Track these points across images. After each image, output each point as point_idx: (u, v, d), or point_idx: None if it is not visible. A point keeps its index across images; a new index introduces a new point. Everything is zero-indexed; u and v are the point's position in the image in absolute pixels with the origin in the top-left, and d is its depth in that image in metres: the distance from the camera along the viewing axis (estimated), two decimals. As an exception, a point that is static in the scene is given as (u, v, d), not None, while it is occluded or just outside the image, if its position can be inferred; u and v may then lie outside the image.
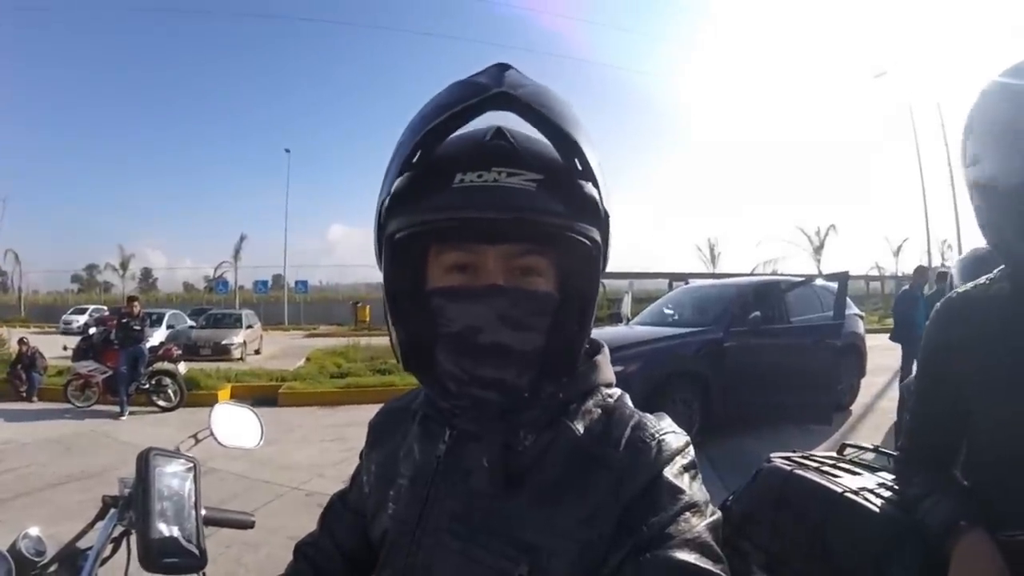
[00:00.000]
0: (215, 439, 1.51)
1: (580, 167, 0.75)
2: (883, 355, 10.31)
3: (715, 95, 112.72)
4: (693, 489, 0.75)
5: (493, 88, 0.70)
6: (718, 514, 0.75)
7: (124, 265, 56.88)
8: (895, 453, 1.51)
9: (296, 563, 1.09)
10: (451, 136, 0.75)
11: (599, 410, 0.84)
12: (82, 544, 1.24)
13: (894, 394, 8.59)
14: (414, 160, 0.75)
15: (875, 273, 51.02)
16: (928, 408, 1.37)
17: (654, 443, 0.77)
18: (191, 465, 1.26)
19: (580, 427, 0.81)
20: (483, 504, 0.79)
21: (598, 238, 0.79)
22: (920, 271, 10.37)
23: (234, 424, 1.57)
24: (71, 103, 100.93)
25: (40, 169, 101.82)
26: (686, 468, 0.77)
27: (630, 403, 0.87)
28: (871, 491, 1.43)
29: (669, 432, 0.80)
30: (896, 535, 1.30)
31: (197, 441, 1.49)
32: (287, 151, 54.07)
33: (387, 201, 0.77)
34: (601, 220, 0.79)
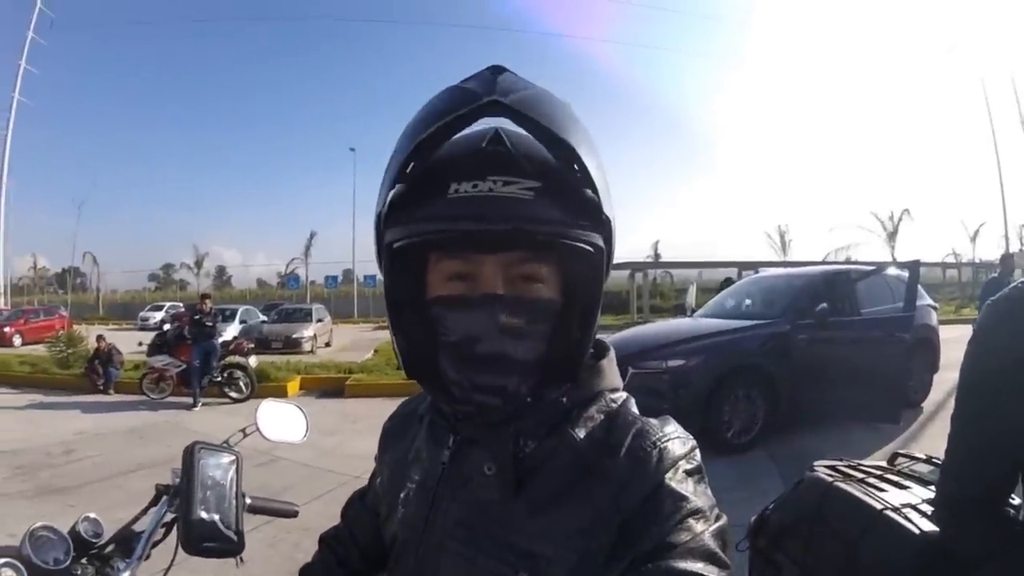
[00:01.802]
0: (261, 434, 1.56)
1: (578, 172, 0.73)
2: (958, 348, 9.90)
3: (785, 75, 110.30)
4: (697, 495, 0.73)
5: (484, 96, 0.69)
6: (723, 519, 0.73)
7: (199, 263, 59.73)
8: (936, 490, 1.33)
9: (321, 552, 1.16)
10: (449, 141, 0.74)
11: (602, 416, 0.82)
12: (137, 528, 1.31)
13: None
14: (407, 170, 0.74)
15: (951, 260, 49.37)
16: (982, 437, 1.17)
17: (655, 451, 0.75)
18: (234, 458, 1.33)
19: (581, 434, 0.79)
20: (485, 510, 0.79)
21: (600, 243, 0.77)
22: (1008, 259, 9.95)
23: (280, 420, 1.61)
24: (144, 109, 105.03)
25: (117, 174, 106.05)
26: (689, 473, 0.75)
27: (634, 408, 0.84)
28: (914, 508, 1.37)
29: (673, 438, 0.78)
30: (930, 560, 1.24)
31: (245, 435, 1.54)
32: (352, 150, 55.35)
33: (384, 211, 0.76)
34: (603, 224, 0.76)
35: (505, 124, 0.73)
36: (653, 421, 0.80)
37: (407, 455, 0.96)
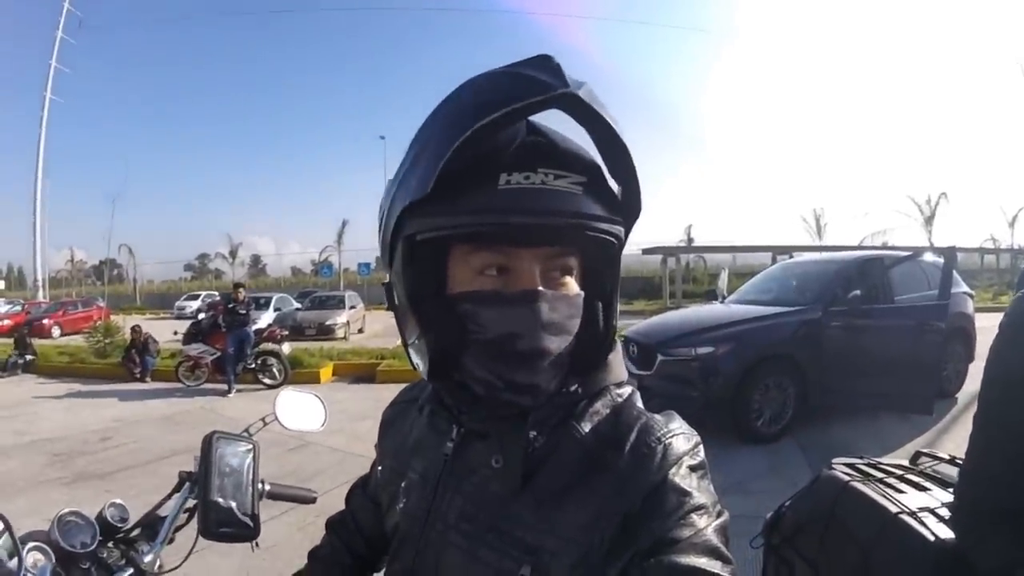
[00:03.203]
0: (279, 423, 1.59)
1: (626, 172, 0.73)
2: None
3: (824, 56, 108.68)
4: (700, 490, 0.73)
5: (559, 87, 0.64)
6: (726, 515, 0.73)
7: (233, 253, 60.47)
8: (955, 495, 1.27)
9: (328, 536, 1.18)
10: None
11: (607, 410, 0.82)
12: (161, 512, 1.36)
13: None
14: (461, 155, 0.66)
15: (989, 245, 48.03)
16: (1006, 440, 1.10)
17: (659, 447, 0.75)
18: (251, 446, 1.36)
19: (587, 428, 0.79)
20: (489, 503, 0.79)
21: (623, 235, 0.78)
22: None
23: (298, 408, 1.64)
24: (177, 103, 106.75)
25: (152, 168, 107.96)
26: (693, 469, 0.75)
27: (639, 402, 0.84)
28: (932, 512, 1.33)
29: (677, 434, 0.77)
30: (946, 570, 1.20)
31: (265, 424, 1.57)
32: (382, 138, 55.58)
33: (416, 199, 0.70)
34: (633, 219, 0.78)
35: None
36: (658, 417, 0.80)
37: (407, 443, 0.97)
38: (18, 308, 29.28)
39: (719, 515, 0.73)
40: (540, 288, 0.74)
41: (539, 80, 0.65)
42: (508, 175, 0.69)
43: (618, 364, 0.87)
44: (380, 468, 1.05)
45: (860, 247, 29.13)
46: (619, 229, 0.76)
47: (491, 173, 0.69)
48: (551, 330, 0.74)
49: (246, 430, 1.47)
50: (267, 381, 11.06)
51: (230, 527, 1.22)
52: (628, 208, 0.76)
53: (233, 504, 1.24)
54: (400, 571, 0.88)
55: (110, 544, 1.26)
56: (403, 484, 0.92)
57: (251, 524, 1.24)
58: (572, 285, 0.78)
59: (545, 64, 0.66)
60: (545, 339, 0.74)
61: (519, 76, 0.66)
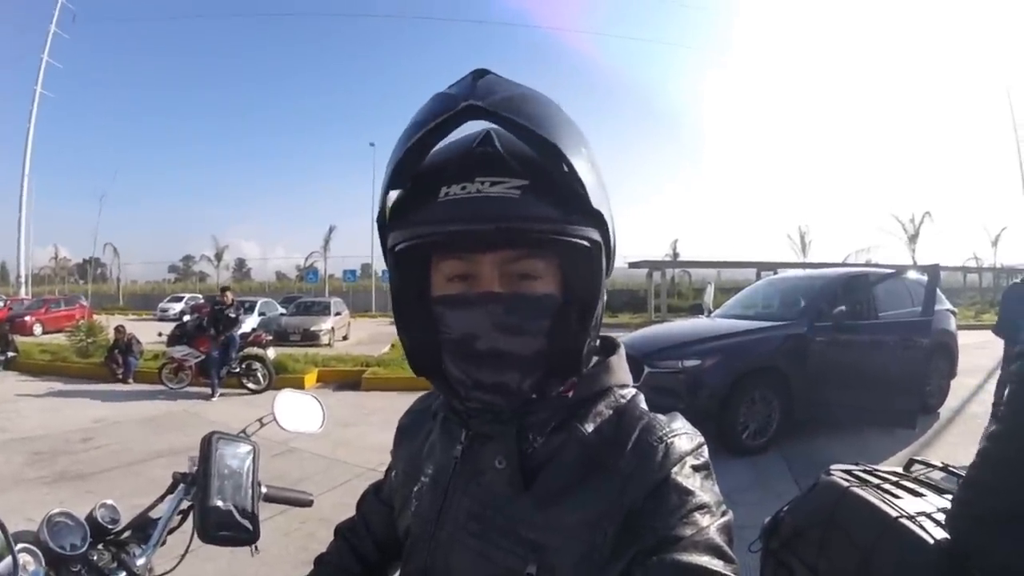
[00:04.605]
0: (278, 424, 1.58)
1: (565, 168, 0.72)
2: (977, 353, 9.87)
3: (809, 76, 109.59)
4: (703, 490, 0.74)
5: (461, 101, 0.70)
6: (729, 514, 0.74)
7: (219, 256, 59.83)
8: (954, 502, 1.29)
9: (336, 542, 1.16)
10: (441, 145, 0.76)
11: (610, 411, 0.83)
12: (154, 515, 1.34)
13: (986, 397, 8.27)
14: (401, 176, 0.76)
15: (972, 264, 48.74)
16: (1015, 450, 1.13)
17: (661, 446, 0.76)
18: (251, 448, 1.35)
19: (589, 428, 0.81)
20: (496, 504, 0.81)
21: (597, 237, 0.77)
22: None
23: (297, 410, 1.63)
24: (166, 102, 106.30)
25: (139, 166, 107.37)
26: (696, 469, 0.76)
27: (643, 404, 0.85)
28: (929, 516, 1.35)
29: (680, 434, 0.79)
30: (945, 571, 1.22)
31: (262, 425, 1.56)
32: (372, 145, 55.36)
33: (386, 216, 0.80)
34: (596, 219, 0.76)
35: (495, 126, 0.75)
36: (661, 417, 0.81)
37: (421, 450, 0.98)
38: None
39: (723, 514, 0.74)
40: (494, 290, 0.77)
41: (450, 96, 0.72)
42: (448, 188, 0.73)
43: (621, 367, 0.90)
44: (394, 473, 1.06)
45: (844, 264, 29.30)
46: (580, 230, 0.75)
47: (435, 187, 0.74)
48: (508, 331, 0.76)
49: (243, 431, 1.45)
50: (251, 386, 11.01)
51: (229, 530, 1.20)
52: (586, 209, 0.75)
53: (232, 506, 1.22)
54: (413, 572, 0.89)
55: (100, 546, 1.24)
56: (416, 488, 0.94)
57: (251, 527, 1.22)
58: (538, 287, 0.79)
59: (464, 79, 0.73)
60: (501, 339, 0.77)
61: (438, 96, 0.74)
